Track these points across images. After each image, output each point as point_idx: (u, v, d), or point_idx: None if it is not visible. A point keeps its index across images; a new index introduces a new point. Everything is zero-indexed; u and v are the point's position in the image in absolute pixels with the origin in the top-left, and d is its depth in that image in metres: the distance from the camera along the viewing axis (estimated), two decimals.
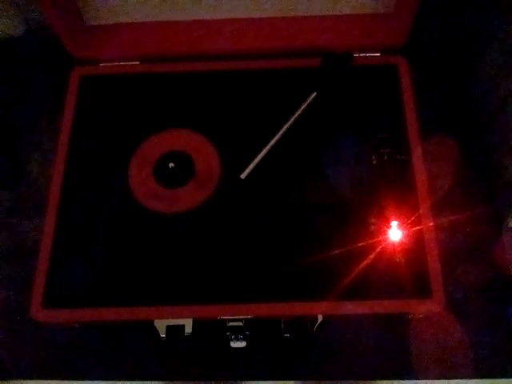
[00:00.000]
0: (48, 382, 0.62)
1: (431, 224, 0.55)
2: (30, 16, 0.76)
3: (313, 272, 0.53)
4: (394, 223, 0.55)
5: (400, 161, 0.59)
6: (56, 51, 0.65)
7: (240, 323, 0.55)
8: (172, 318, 0.55)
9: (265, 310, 0.53)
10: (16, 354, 0.63)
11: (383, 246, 0.54)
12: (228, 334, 0.55)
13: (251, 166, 0.58)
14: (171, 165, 0.58)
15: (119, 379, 0.61)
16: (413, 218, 0.55)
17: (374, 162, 0.59)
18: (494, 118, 0.70)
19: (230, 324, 0.55)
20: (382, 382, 0.60)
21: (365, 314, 0.53)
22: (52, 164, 0.61)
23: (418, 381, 0.60)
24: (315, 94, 0.61)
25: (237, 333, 0.55)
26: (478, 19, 0.71)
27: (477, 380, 0.60)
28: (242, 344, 0.56)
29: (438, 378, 0.60)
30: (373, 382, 0.61)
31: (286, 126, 0.60)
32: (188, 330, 0.56)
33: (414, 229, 0.55)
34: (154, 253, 0.55)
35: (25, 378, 0.62)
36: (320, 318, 0.56)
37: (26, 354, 0.63)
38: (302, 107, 0.61)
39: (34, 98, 0.79)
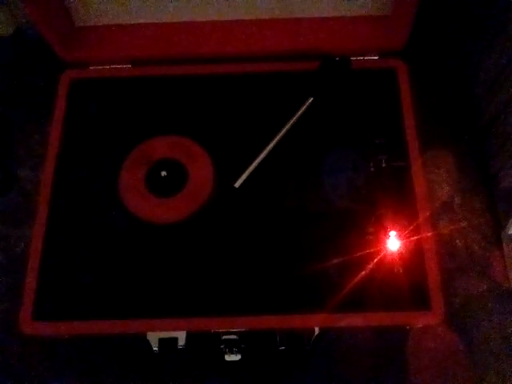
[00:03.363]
0: None
1: (430, 234, 0.54)
2: (19, 15, 0.74)
3: (309, 283, 0.52)
4: (393, 233, 0.54)
5: (398, 167, 0.57)
6: (47, 52, 0.63)
7: (234, 336, 0.54)
8: (165, 330, 0.54)
9: (260, 322, 0.51)
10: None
11: (381, 256, 0.53)
12: (222, 347, 0.54)
13: (245, 174, 0.56)
14: (163, 173, 0.56)
15: None
16: (411, 228, 0.54)
17: (372, 169, 0.57)
18: (492, 126, 0.69)
19: (225, 337, 0.54)
20: None
21: (363, 326, 0.52)
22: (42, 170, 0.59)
23: None
24: (312, 99, 0.60)
25: (231, 346, 0.54)
26: (477, 24, 0.70)
27: None
28: (237, 357, 0.55)
29: None
30: None
31: (281, 133, 0.58)
32: (181, 342, 0.54)
33: (412, 239, 0.54)
34: (147, 264, 0.54)
35: None
36: (317, 330, 0.55)
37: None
38: (299, 113, 0.59)
39: (25, 101, 0.77)
